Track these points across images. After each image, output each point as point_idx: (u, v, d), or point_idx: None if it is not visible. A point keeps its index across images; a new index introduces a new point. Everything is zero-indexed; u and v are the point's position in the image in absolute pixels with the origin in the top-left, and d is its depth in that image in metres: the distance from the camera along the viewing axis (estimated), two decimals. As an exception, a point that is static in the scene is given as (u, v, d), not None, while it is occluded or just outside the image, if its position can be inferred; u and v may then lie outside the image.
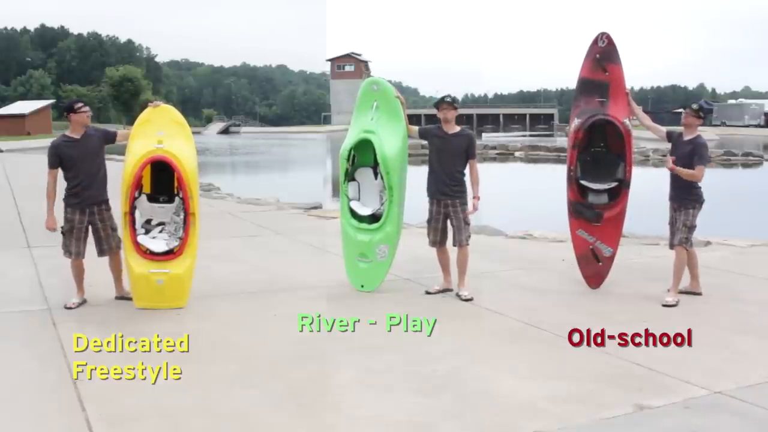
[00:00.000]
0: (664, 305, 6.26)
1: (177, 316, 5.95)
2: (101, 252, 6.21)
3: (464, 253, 6.56)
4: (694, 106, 6.63)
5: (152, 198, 6.32)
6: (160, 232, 6.26)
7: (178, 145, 6.08)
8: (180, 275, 6.01)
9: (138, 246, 6.01)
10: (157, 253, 6.00)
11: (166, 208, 6.30)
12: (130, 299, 6.20)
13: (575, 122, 6.80)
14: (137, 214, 6.14)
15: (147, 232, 6.22)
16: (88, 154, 6.07)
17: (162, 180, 6.28)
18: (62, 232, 6.11)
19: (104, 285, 6.41)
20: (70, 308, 6.07)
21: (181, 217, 6.15)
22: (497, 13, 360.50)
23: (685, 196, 6.47)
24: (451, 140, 6.50)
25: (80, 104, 6.13)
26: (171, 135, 6.12)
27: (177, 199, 6.24)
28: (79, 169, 6.03)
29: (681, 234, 6.46)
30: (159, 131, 6.09)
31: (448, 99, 6.55)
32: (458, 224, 6.49)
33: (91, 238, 6.20)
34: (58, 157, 6.05)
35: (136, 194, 6.09)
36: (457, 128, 6.58)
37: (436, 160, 6.57)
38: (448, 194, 6.50)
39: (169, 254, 6.03)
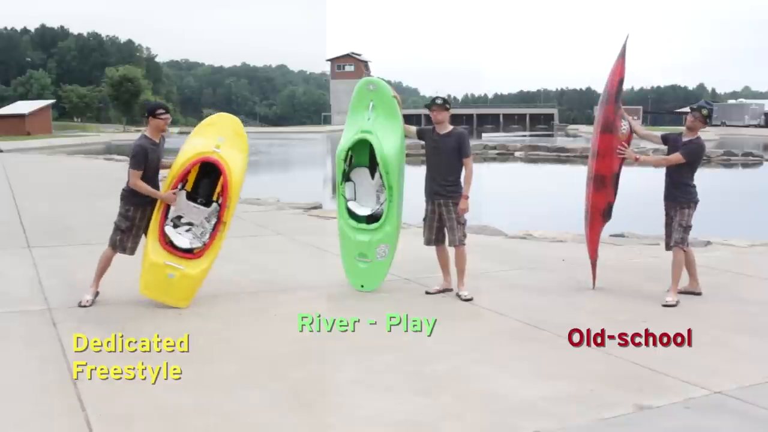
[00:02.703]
0: (664, 305, 6.27)
1: (177, 316, 5.95)
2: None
3: (461, 253, 6.56)
4: (704, 111, 6.51)
5: (190, 197, 6.35)
6: (187, 231, 6.26)
7: (232, 155, 6.25)
8: (192, 276, 6.04)
9: (162, 235, 6.04)
10: (178, 248, 6.03)
11: (201, 210, 6.30)
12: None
13: (625, 125, 6.61)
14: (173, 208, 6.19)
15: (175, 227, 6.23)
16: (160, 158, 6.26)
17: (205, 183, 6.36)
18: (121, 229, 6.15)
19: (106, 284, 6.40)
20: (85, 306, 6.09)
21: (212, 223, 6.20)
22: (497, 13, 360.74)
23: (680, 196, 6.47)
24: (443, 140, 6.52)
25: (161, 110, 6.23)
26: (229, 143, 6.31)
27: (214, 204, 6.28)
28: (152, 171, 6.15)
29: (677, 234, 6.46)
30: (220, 137, 6.29)
31: (439, 101, 6.56)
32: (450, 224, 6.50)
33: None
34: (145, 159, 6.07)
35: (179, 187, 6.15)
36: (450, 128, 6.58)
37: (430, 160, 6.63)
38: (441, 194, 6.52)
39: (189, 253, 6.06)
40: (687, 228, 6.46)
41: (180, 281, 6.02)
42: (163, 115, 6.19)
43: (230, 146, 6.30)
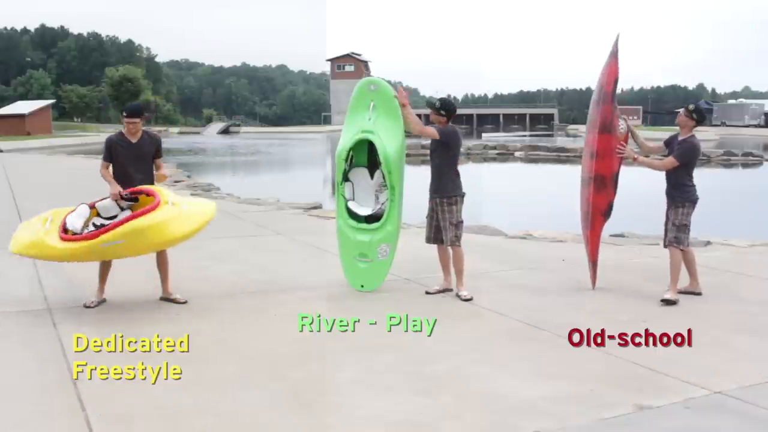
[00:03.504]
0: (663, 300, 6.28)
1: (177, 316, 5.95)
2: None
3: (456, 254, 6.57)
4: (690, 106, 6.61)
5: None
6: (97, 225, 6.00)
7: (178, 211, 5.87)
8: (37, 242, 5.85)
9: (69, 215, 6.00)
10: (64, 226, 5.88)
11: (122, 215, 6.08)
12: (174, 302, 6.27)
13: (623, 125, 6.64)
14: (109, 203, 6.09)
15: (98, 215, 6.11)
16: (139, 157, 6.22)
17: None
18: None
19: (107, 284, 6.39)
20: (89, 306, 6.09)
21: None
22: (497, 13, 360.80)
23: (676, 194, 6.48)
24: (439, 140, 6.53)
25: (125, 114, 6.22)
26: (192, 210, 6.10)
27: (126, 212, 6.05)
28: (127, 169, 6.18)
29: (671, 233, 6.49)
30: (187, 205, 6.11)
31: (438, 104, 6.56)
32: (444, 224, 6.52)
33: None
34: (109, 153, 6.23)
35: (125, 194, 6.06)
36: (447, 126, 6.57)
37: (430, 159, 6.67)
38: (436, 193, 6.56)
39: (64, 232, 5.83)
40: (681, 227, 6.46)
41: (33, 238, 5.92)
42: (126, 119, 6.19)
43: (190, 210, 6.03)
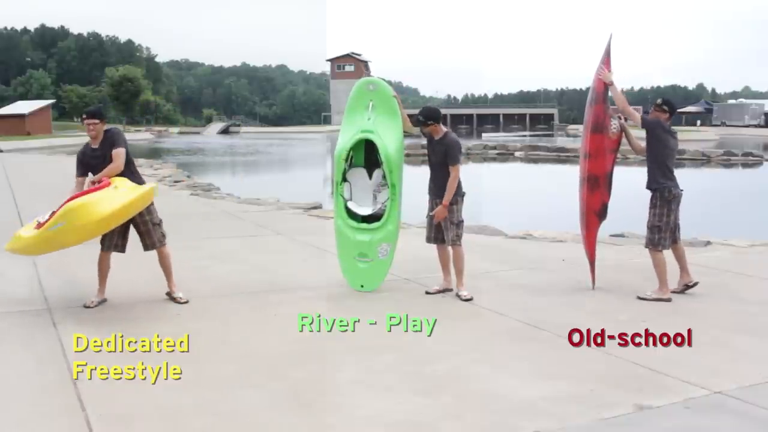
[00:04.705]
0: (638, 297, 6.43)
1: (177, 316, 5.95)
2: (143, 247, 6.33)
3: (457, 253, 6.57)
4: (659, 100, 6.69)
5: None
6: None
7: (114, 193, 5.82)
8: (15, 238, 6.12)
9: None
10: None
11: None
12: (175, 301, 6.29)
13: (615, 125, 6.66)
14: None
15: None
16: (103, 160, 6.11)
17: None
18: None
19: (107, 284, 6.40)
20: (89, 307, 6.10)
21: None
22: (497, 13, 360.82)
23: (650, 188, 6.52)
24: (436, 145, 6.55)
25: (85, 116, 6.17)
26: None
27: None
28: (95, 173, 6.12)
29: (647, 234, 6.55)
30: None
31: (420, 119, 6.50)
32: (445, 224, 6.53)
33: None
34: (80, 165, 6.21)
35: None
36: (443, 133, 6.54)
37: (429, 160, 6.69)
38: (436, 194, 6.58)
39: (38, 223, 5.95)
40: (653, 228, 6.46)
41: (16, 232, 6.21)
42: (84, 120, 6.13)
43: (122, 191, 5.83)
